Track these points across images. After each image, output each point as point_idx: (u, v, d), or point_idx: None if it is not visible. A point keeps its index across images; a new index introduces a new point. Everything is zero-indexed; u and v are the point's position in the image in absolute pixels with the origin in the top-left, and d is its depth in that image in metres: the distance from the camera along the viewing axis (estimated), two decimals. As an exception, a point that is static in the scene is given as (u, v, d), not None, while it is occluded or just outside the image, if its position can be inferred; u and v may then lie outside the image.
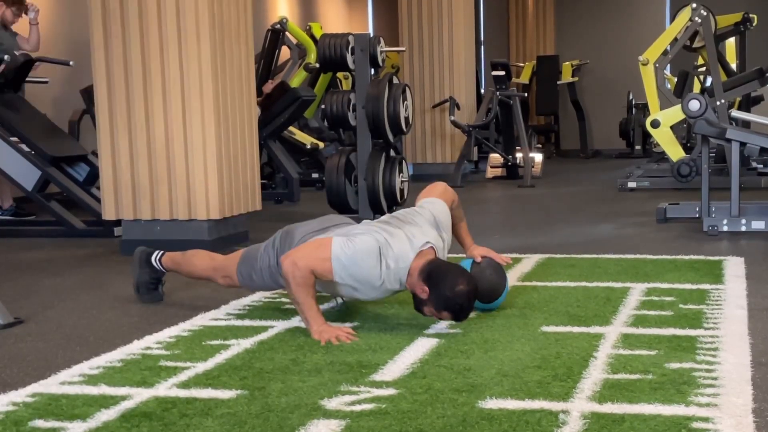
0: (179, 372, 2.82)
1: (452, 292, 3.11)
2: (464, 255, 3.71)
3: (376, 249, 3.20)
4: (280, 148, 8.69)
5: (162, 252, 3.92)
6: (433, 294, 3.14)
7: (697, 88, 10.97)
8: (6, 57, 6.88)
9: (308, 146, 9.65)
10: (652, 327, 3.26)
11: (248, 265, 3.62)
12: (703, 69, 10.59)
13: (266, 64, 9.82)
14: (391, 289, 3.28)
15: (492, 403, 2.43)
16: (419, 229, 3.32)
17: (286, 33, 10.11)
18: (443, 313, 3.17)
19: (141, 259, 3.92)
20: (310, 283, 3.21)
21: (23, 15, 7.58)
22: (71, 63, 7.47)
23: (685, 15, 8.54)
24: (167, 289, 4.11)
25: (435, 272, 3.15)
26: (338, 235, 3.28)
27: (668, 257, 4.80)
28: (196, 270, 3.82)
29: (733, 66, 10.09)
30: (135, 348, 3.15)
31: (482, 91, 13.71)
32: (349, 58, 6.85)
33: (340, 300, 3.66)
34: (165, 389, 2.65)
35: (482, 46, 16.69)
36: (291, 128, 9.36)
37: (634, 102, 14.71)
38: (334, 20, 14.75)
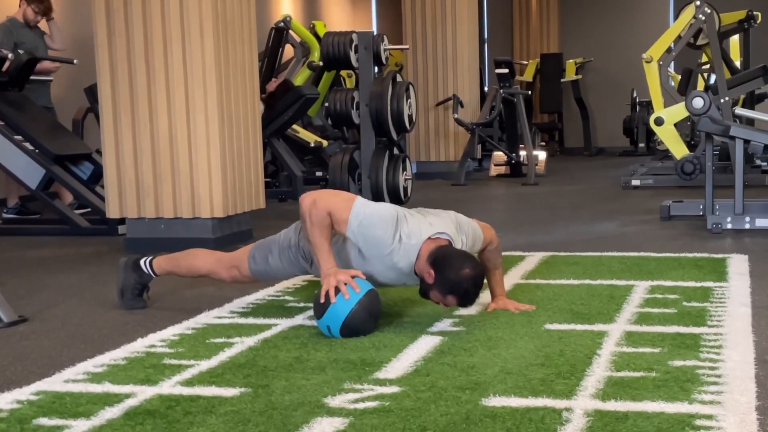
0: (183, 370, 2.83)
1: (457, 275, 3.09)
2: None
3: (394, 218, 3.23)
4: (283, 147, 8.69)
5: (152, 256, 3.81)
6: (438, 278, 3.13)
7: (701, 85, 10.96)
8: (9, 54, 6.88)
9: (312, 144, 9.65)
10: (655, 325, 3.26)
11: (264, 249, 3.60)
12: (707, 66, 10.58)
13: (270, 63, 9.81)
14: (399, 266, 3.25)
15: (495, 401, 2.43)
16: (441, 221, 3.32)
17: (290, 31, 10.10)
18: (449, 297, 3.15)
19: (127, 266, 3.79)
20: (326, 224, 3.21)
21: (43, 16, 7.57)
22: (75, 61, 7.48)
23: (688, 12, 8.52)
24: (171, 288, 4.12)
25: (442, 256, 3.15)
26: None
27: (672, 255, 4.80)
28: (196, 264, 3.75)
29: (737, 63, 10.08)
30: (139, 346, 3.16)
31: (486, 89, 13.72)
32: (353, 56, 6.85)
33: None
34: (169, 387, 2.65)
35: (486, 44, 16.68)
36: (294, 126, 9.36)
37: (638, 99, 14.69)
38: (337, 18, 14.74)
